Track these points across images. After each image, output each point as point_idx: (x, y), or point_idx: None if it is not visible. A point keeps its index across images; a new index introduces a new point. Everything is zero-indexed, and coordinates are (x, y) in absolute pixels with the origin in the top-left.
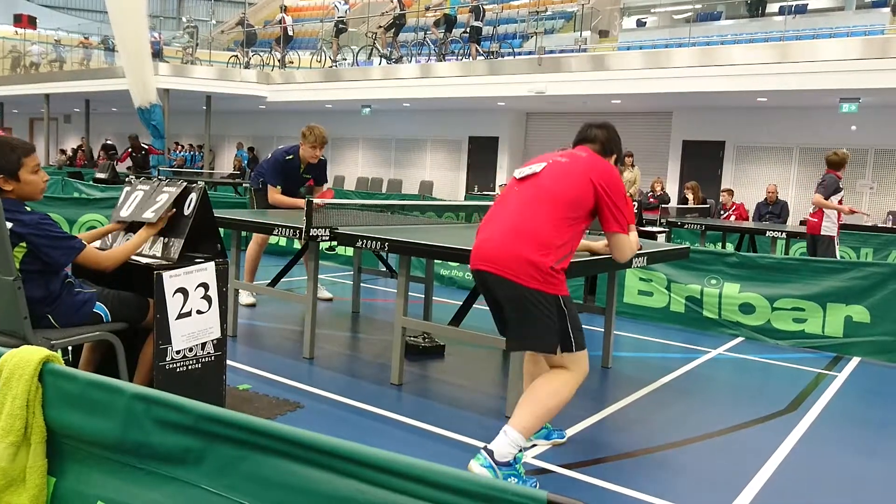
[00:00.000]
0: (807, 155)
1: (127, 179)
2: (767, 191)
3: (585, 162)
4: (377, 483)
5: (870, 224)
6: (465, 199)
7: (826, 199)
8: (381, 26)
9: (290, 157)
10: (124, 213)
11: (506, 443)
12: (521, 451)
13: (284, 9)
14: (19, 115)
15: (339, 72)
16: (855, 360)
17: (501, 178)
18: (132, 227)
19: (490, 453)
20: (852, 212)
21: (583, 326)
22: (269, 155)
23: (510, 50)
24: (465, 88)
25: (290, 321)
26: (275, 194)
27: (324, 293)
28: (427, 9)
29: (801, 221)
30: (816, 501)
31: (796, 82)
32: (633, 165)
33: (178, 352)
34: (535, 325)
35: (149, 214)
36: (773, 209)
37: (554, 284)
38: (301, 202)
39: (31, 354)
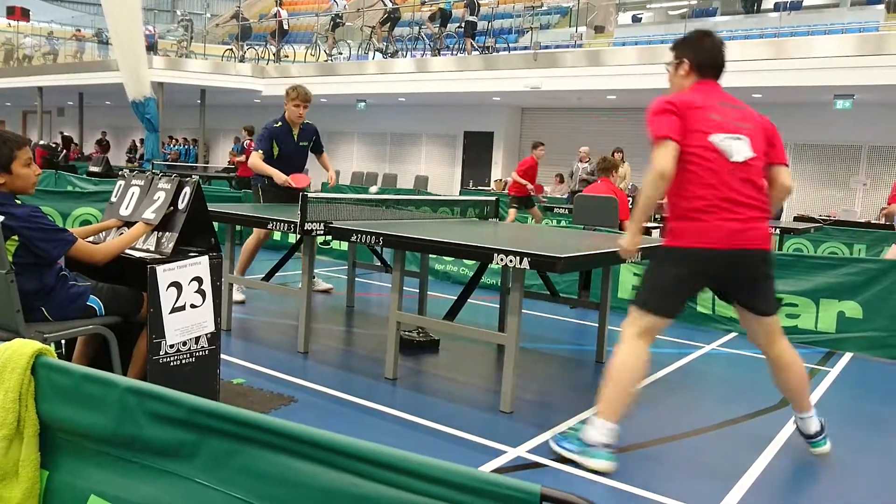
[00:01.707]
0: (801, 151)
1: (120, 173)
2: None
3: None
4: (371, 477)
5: (863, 220)
6: (460, 194)
7: None
8: (378, 22)
9: (279, 123)
10: (124, 212)
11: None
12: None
13: (279, 2)
14: (12, 108)
15: (335, 66)
16: (847, 356)
17: (496, 173)
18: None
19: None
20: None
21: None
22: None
23: (505, 45)
24: (460, 83)
25: (284, 315)
26: (255, 158)
27: (322, 284)
28: (422, 3)
29: (794, 217)
30: (809, 496)
31: (791, 79)
32: (623, 161)
33: (171, 346)
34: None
35: (149, 215)
36: None
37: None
38: (279, 174)
39: (24, 347)
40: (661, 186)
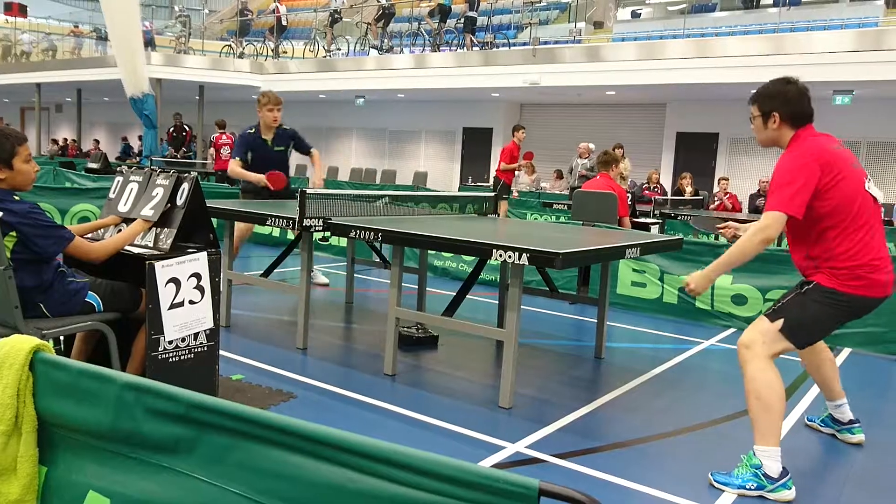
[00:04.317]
0: None
1: (119, 169)
2: (760, 182)
3: None
4: (369, 472)
5: None
6: (459, 190)
7: None
8: (373, 18)
9: (252, 129)
10: (122, 208)
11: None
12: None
13: None
14: (10, 104)
15: (333, 62)
16: (846, 351)
17: (495, 169)
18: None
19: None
20: None
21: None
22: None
23: (505, 41)
24: (460, 79)
25: (283, 311)
26: (234, 166)
27: (320, 278)
28: None
29: None
30: (807, 490)
31: (790, 74)
32: (623, 157)
33: (170, 342)
34: None
35: (147, 212)
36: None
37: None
38: (255, 176)
39: (22, 343)
40: (762, 250)
